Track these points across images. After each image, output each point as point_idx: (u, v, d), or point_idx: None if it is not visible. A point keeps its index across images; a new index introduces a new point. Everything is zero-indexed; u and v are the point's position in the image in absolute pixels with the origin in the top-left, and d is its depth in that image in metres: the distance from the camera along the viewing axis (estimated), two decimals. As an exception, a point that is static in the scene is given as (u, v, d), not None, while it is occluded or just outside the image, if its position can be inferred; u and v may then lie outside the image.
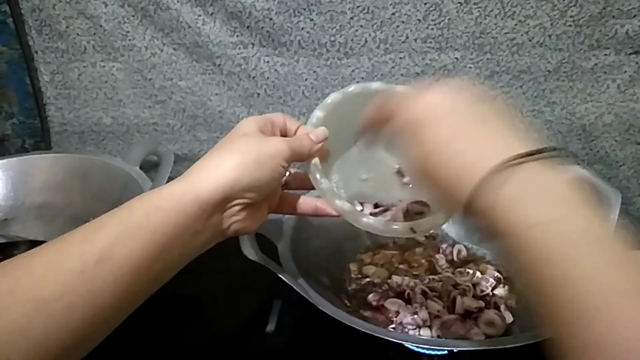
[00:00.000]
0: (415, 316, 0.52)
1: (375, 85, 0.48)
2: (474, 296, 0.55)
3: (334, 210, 0.44)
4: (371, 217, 0.44)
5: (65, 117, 0.83)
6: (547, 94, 0.74)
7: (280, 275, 0.47)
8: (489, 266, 0.63)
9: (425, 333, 0.51)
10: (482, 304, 0.54)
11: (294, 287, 0.47)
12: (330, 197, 0.44)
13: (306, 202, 0.46)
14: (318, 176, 0.44)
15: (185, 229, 0.36)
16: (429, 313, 0.53)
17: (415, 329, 0.52)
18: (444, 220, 0.44)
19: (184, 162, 0.83)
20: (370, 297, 0.57)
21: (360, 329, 0.44)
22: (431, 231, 0.45)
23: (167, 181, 0.67)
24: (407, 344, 0.44)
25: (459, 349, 0.43)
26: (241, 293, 0.64)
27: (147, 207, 0.35)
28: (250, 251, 0.49)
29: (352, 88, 0.48)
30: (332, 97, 0.47)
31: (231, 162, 0.38)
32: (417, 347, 0.44)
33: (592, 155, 0.77)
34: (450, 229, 0.67)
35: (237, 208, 0.38)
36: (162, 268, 0.36)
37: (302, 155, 0.43)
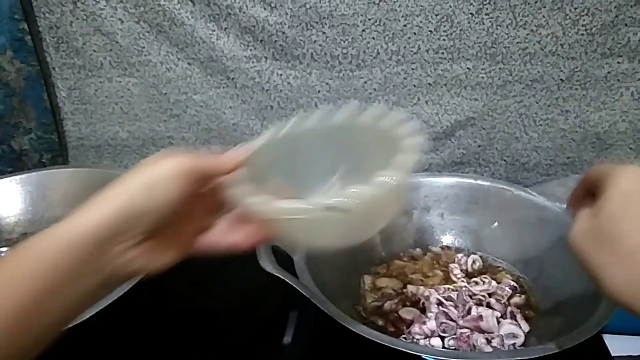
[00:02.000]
0: (424, 326, 0.52)
1: (340, 114, 0.44)
2: (489, 305, 0.55)
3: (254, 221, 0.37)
4: (285, 201, 0.37)
5: (82, 131, 0.85)
6: (561, 103, 0.74)
7: (296, 287, 0.47)
8: (505, 275, 0.62)
9: (435, 342, 0.51)
10: (498, 314, 0.54)
11: (311, 299, 0.47)
12: (241, 194, 0.37)
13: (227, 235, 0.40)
14: (238, 184, 0.38)
15: (73, 272, 0.32)
16: (443, 322, 0.53)
17: (424, 338, 0.52)
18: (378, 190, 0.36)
19: (199, 174, 0.84)
20: (386, 305, 0.57)
21: (376, 340, 0.44)
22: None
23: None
24: (425, 356, 0.44)
25: (477, 360, 0.43)
26: (258, 305, 0.65)
27: (26, 254, 0.32)
28: (267, 263, 0.49)
29: (312, 117, 0.44)
30: (291, 123, 0.43)
31: (116, 193, 0.34)
32: (435, 358, 0.44)
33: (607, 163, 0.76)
34: (465, 239, 0.67)
35: (130, 243, 0.34)
36: (49, 317, 0.32)
37: (214, 168, 0.38)
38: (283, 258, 0.54)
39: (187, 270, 0.68)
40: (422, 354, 0.43)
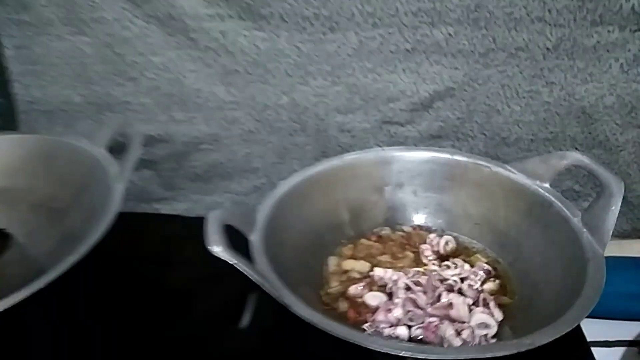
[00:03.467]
0: (389, 314, 0.48)
1: None
2: (460, 292, 0.51)
3: None
4: None
5: (33, 95, 0.78)
6: (546, 74, 0.69)
7: (247, 273, 0.43)
8: (479, 257, 0.59)
9: (401, 332, 0.48)
10: (469, 301, 0.50)
11: (264, 287, 0.42)
12: None
13: None
14: None
15: None
16: (410, 310, 0.49)
17: (389, 327, 0.48)
18: None
19: (159, 144, 0.78)
20: (351, 290, 0.53)
21: (334, 333, 0.40)
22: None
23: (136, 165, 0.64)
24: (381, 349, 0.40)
25: (438, 357, 0.39)
26: (215, 285, 0.60)
27: None
28: (215, 245, 0.44)
29: None
30: None
31: None
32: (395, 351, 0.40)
33: (591, 139, 0.72)
34: (439, 218, 0.63)
35: None
36: None
37: None
38: (238, 237, 0.49)
39: (152, 247, 0.65)
40: (376, 348, 0.39)
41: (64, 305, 0.57)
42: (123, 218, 0.83)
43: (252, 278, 0.43)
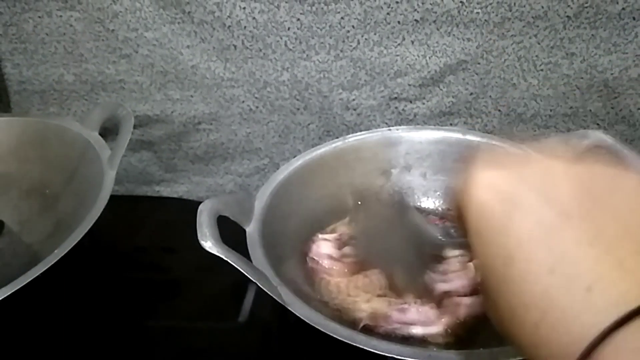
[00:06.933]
0: (403, 315, 0.45)
1: None
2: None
3: None
4: None
5: (24, 74, 0.75)
6: (566, 44, 0.64)
7: (242, 271, 0.40)
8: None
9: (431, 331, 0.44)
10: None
11: (258, 285, 0.40)
12: None
13: None
14: None
15: None
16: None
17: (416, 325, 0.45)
18: None
19: (157, 124, 0.75)
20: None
21: (332, 334, 0.37)
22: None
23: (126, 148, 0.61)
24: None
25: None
26: (215, 276, 0.58)
27: None
28: (206, 240, 0.41)
29: None
30: None
31: None
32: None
33: (614, 114, 0.68)
34: (450, 202, 0.59)
35: None
36: None
37: None
38: (235, 230, 0.46)
39: (151, 232, 0.63)
40: (381, 352, 0.36)
41: (60, 293, 0.55)
42: (122, 201, 0.80)
43: (247, 275, 0.40)
